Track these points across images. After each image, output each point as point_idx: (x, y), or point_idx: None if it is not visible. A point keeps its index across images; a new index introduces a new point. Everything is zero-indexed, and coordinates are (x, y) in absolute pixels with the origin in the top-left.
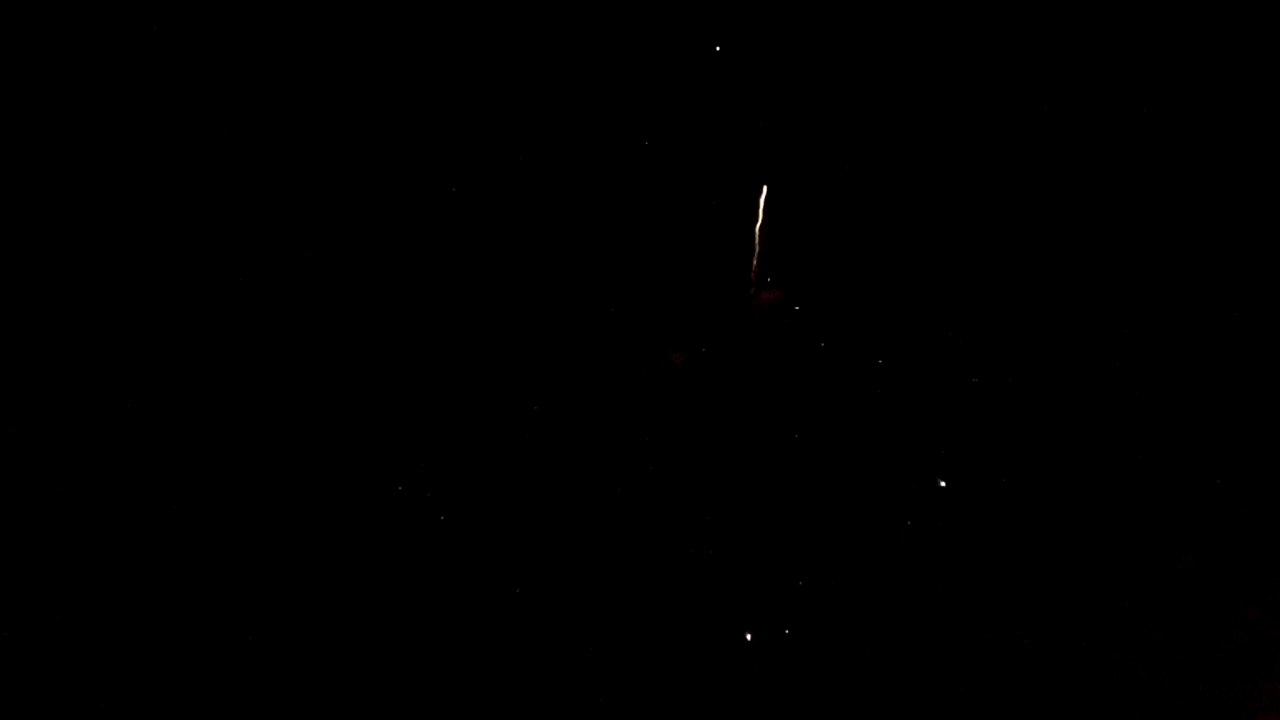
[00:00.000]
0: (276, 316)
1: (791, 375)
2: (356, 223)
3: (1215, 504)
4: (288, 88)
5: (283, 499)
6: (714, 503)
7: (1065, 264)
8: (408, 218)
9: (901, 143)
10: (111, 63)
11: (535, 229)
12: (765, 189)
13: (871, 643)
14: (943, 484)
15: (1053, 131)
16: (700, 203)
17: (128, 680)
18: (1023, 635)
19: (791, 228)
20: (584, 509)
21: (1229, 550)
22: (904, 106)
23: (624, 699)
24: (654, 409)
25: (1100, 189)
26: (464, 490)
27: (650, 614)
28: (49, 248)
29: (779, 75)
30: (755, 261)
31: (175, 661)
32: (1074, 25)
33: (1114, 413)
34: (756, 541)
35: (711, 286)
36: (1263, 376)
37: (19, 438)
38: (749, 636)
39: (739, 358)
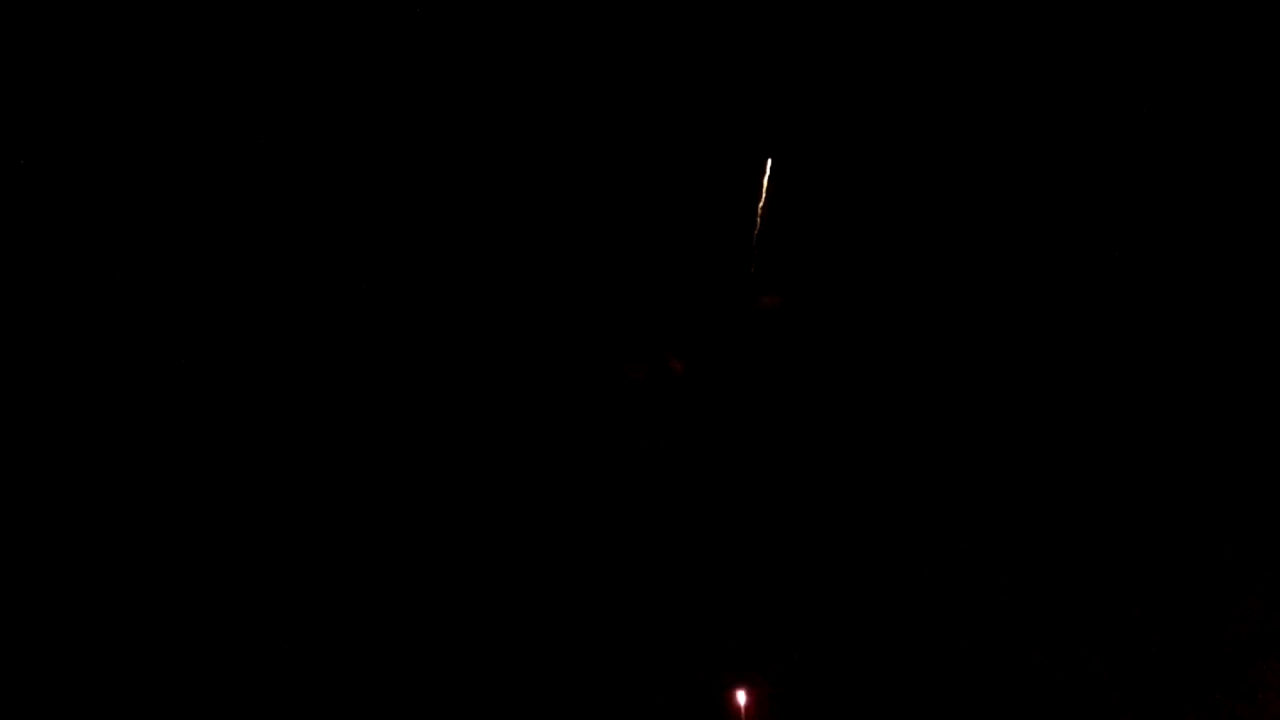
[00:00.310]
0: (270, 319)
1: (791, 380)
2: (352, 228)
3: (1215, 504)
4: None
5: (281, 500)
6: (714, 507)
7: (1066, 269)
8: (404, 224)
9: (898, 151)
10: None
11: (537, 238)
12: (764, 197)
13: (871, 646)
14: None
15: (1052, 140)
16: (700, 211)
17: (126, 676)
18: (1022, 636)
19: (790, 234)
20: (585, 514)
21: (1229, 549)
22: (901, 116)
23: (616, 704)
24: (654, 415)
25: (1104, 199)
26: (466, 494)
27: (648, 618)
28: (49, 249)
29: (778, 86)
30: (754, 267)
31: (172, 659)
32: (1071, 32)
33: (1113, 414)
34: (755, 545)
35: (711, 293)
36: (1262, 378)
37: (19, 438)
38: (743, 642)
39: (739, 363)
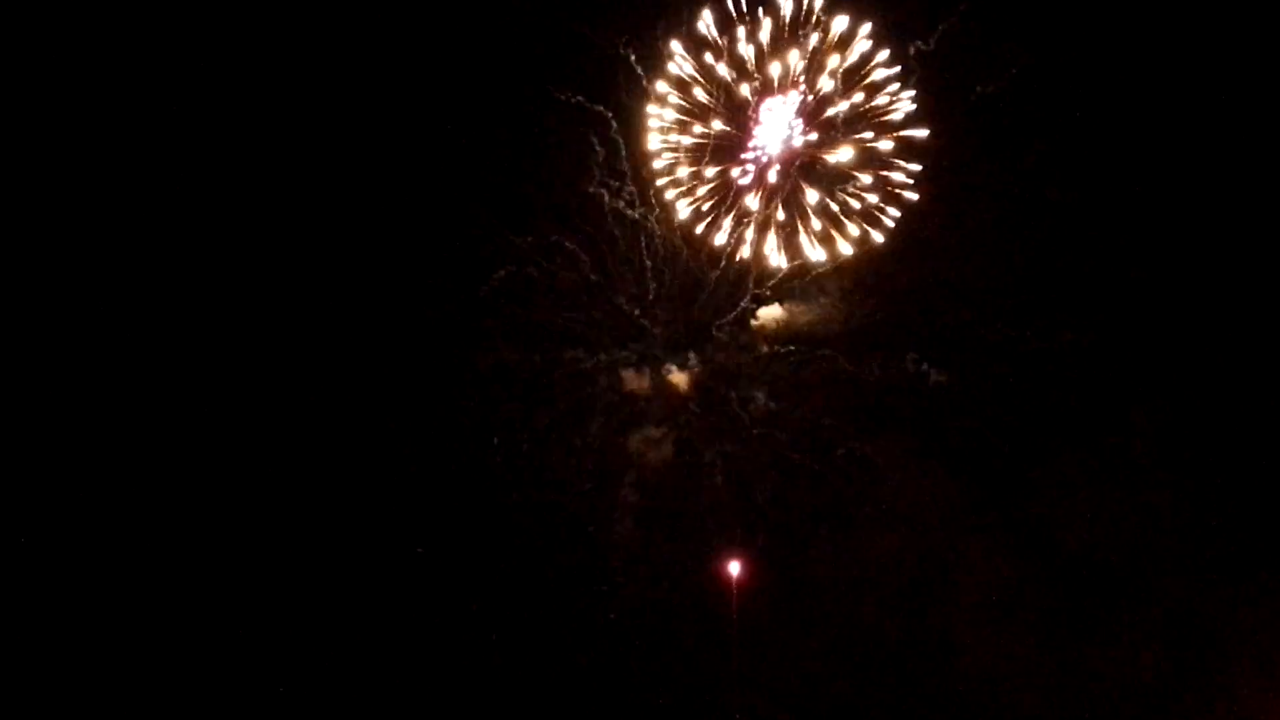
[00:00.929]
0: (257, 319)
1: (790, 385)
2: (351, 231)
3: (1215, 504)
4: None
5: (279, 495)
6: (716, 510)
7: (1073, 272)
8: (402, 230)
9: (898, 155)
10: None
11: (539, 242)
12: (761, 204)
13: (871, 647)
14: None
15: (1053, 140)
16: (698, 215)
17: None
18: (1023, 635)
19: (790, 239)
20: (586, 518)
21: (1229, 549)
22: (899, 122)
23: (612, 704)
24: (654, 420)
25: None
26: (457, 498)
27: (646, 619)
28: (47, 249)
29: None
30: (753, 273)
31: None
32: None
33: (1112, 416)
34: (755, 548)
35: (710, 298)
36: (1262, 378)
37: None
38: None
39: (738, 369)
